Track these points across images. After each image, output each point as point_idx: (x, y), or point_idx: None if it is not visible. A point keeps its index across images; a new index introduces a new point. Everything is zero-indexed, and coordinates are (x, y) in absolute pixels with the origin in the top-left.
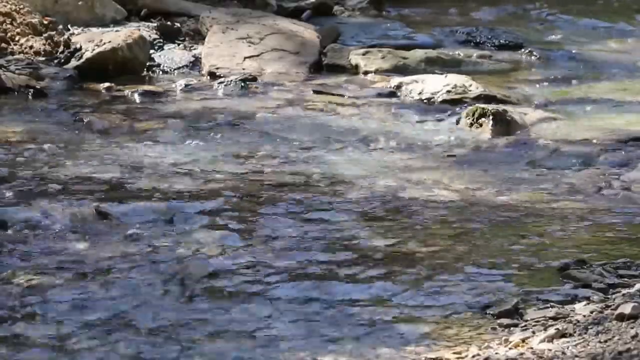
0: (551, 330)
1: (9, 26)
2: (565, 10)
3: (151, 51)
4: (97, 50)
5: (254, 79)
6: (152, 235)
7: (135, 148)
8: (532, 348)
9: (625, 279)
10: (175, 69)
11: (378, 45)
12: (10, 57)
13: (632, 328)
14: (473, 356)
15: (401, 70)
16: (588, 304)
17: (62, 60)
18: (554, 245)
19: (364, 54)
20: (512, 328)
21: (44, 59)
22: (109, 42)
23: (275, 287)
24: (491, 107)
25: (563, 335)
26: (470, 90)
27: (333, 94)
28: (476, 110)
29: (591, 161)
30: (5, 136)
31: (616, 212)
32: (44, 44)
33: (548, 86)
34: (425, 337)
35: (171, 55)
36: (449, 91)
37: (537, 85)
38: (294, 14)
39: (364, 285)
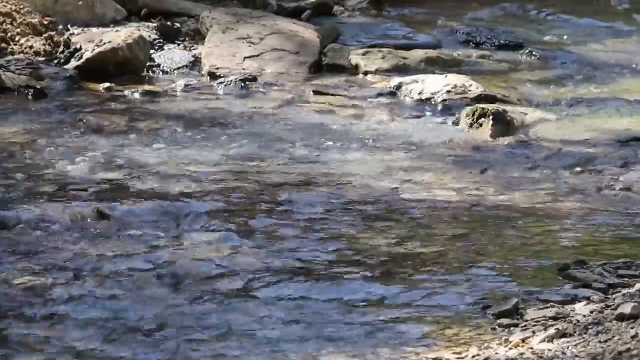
0: (551, 330)
1: (9, 26)
2: (565, 10)
3: (151, 51)
4: (97, 50)
5: (254, 79)
6: (152, 236)
7: (135, 148)
8: (532, 348)
9: (625, 279)
10: (175, 69)
11: (378, 45)
12: (10, 57)
13: (632, 328)
14: (473, 356)
15: (401, 70)
16: (588, 304)
17: (62, 60)
18: (554, 245)
19: (364, 54)
20: (512, 328)
21: (44, 59)
22: (109, 42)
23: (275, 287)
24: (491, 107)
25: (563, 335)
26: (470, 90)
27: (333, 94)
28: (476, 110)
29: (591, 161)
30: (5, 136)
31: (616, 212)
32: (44, 44)
33: (548, 86)
34: (425, 337)
35: (171, 55)
36: (449, 91)
37: (537, 85)
38: (294, 14)
39: (364, 285)
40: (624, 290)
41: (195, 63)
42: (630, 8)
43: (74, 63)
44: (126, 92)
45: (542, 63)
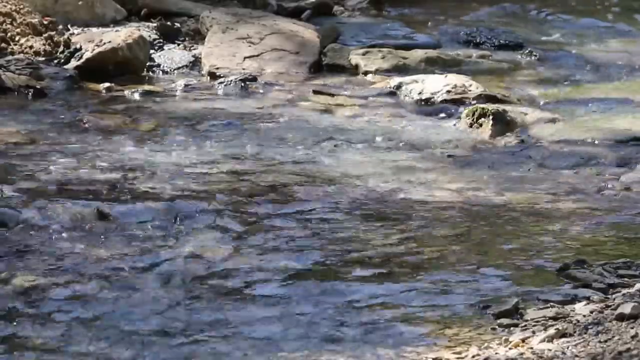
0: (551, 330)
1: (9, 26)
2: (565, 10)
3: (151, 51)
4: (97, 50)
5: (254, 79)
6: (152, 236)
7: (135, 148)
8: (532, 348)
9: (625, 279)
10: (175, 69)
11: (378, 45)
12: (10, 57)
13: (632, 328)
14: (473, 356)
15: (401, 70)
16: (588, 304)
17: (62, 60)
18: (554, 245)
19: (364, 54)
20: (512, 328)
21: (44, 59)
22: (109, 42)
23: (275, 288)
24: (491, 107)
25: (563, 335)
26: (470, 90)
27: (333, 94)
28: (476, 110)
29: (591, 161)
30: (5, 136)
31: (616, 212)
32: (44, 44)
33: (548, 86)
34: (425, 337)
35: (171, 55)
36: (449, 91)
37: (537, 85)
38: (294, 14)
39: (364, 285)
40: (624, 290)
41: (195, 63)
42: (630, 8)
43: (74, 63)
44: (126, 92)
45: (542, 63)
